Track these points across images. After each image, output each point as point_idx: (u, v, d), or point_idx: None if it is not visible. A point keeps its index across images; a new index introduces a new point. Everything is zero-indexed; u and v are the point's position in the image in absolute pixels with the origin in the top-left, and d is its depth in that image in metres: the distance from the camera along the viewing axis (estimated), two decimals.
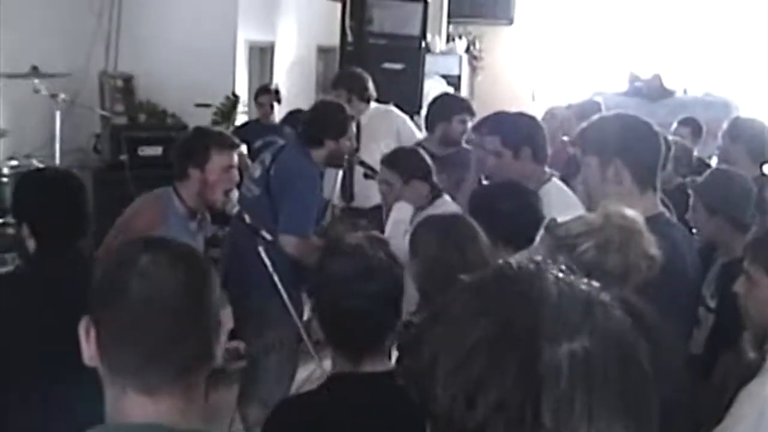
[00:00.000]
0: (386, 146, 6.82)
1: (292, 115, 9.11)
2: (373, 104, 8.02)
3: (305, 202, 5.81)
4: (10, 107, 9.34)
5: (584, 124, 4.14)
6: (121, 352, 2.10)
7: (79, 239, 4.08)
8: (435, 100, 7.57)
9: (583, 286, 1.42)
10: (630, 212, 3.14)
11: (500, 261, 1.48)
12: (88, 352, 2.14)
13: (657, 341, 2.17)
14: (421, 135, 7.82)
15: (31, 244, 3.99)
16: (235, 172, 5.02)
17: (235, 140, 5.04)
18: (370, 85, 7.94)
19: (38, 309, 3.72)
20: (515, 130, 5.17)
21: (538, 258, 1.47)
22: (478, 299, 1.44)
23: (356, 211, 7.61)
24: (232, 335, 5.31)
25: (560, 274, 1.42)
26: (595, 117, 4.23)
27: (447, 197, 5.63)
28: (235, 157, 4.99)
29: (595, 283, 1.43)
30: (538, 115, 8.82)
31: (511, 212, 4.35)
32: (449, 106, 7.21)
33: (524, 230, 4.14)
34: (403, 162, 5.65)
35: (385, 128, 7.79)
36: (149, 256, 2.13)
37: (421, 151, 5.86)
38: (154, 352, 2.08)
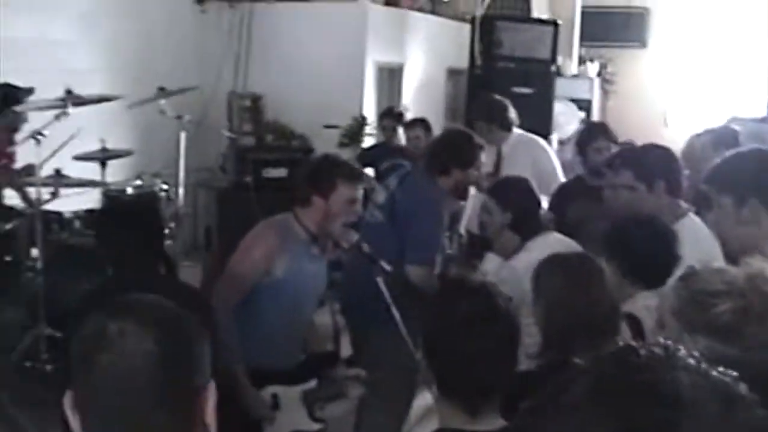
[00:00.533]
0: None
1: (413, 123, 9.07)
2: (517, 131, 7.87)
3: (431, 231, 5.70)
4: (138, 127, 9.47)
5: (717, 160, 3.93)
6: (100, 429, 1.96)
7: (155, 262, 4.25)
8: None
9: (720, 378, 1.26)
10: None
11: (623, 344, 1.32)
12: (74, 425, 2.00)
13: None
14: (559, 170, 7.67)
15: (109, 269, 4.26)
16: (359, 206, 4.93)
17: (363, 173, 4.94)
18: (510, 112, 7.79)
19: None
20: (649, 163, 4.97)
21: (668, 342, 1.31)
22: (598, 393, 1.27)
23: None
24: (351, 362, 5.29)
25: (692, 362, 1.26)
26: (730, 153, 4.00)
27: (555, 234, 5.42)
28: (361, 191, 4.89)
29: (732, 374, 1.27)
30: (672, 141, 8.62)
31: (646, 248, 4.16)
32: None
33: (657, 269, 3.97)
34: (503, 192, 5.50)
35: (524, 158, 7.61)
36: (116, 324, 1.95)
37: (531, 184, 5.68)
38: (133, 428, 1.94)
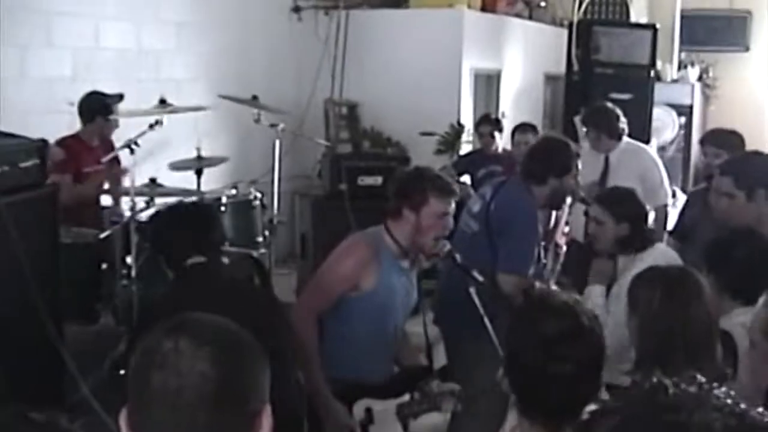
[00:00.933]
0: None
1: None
2: (627, 140, 7.75)
3: (526, 240, 5.61)
4: (234, 136, 9.53)
5: None
6: None
7: (212, 261, 4.25)
8: None
9: (760, 419, 1.16)
10: None
11: (655, 380, 1.23)
12: None
13: None
14: (667, 182, 7.54)
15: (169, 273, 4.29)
16: (450, 220, 4.83)
17: (454, 187, 4.86)
18: (621, 121, 7.67)
19: None
20: (749, 171, 4.84)
21: (702, 380, 1.22)
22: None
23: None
24: (444, 373, 5.21)
25: (727, 402, 1.17)
26: None
27: (660, 245, 5.30)
28: (453, 205, 4.82)
29: None
30: None
31: (744, 262, 4.03)
32: None
33: (755, 284, 3.83)
34: (617, 202, 5.37)
35: (631, 167, 7.46)
36: (171, 341, 1.90)
37: (638, 195, 5.56)
38: None
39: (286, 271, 8.93)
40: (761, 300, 2.98)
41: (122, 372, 6.09)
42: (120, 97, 7.35)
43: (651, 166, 7.58)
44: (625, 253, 5.17)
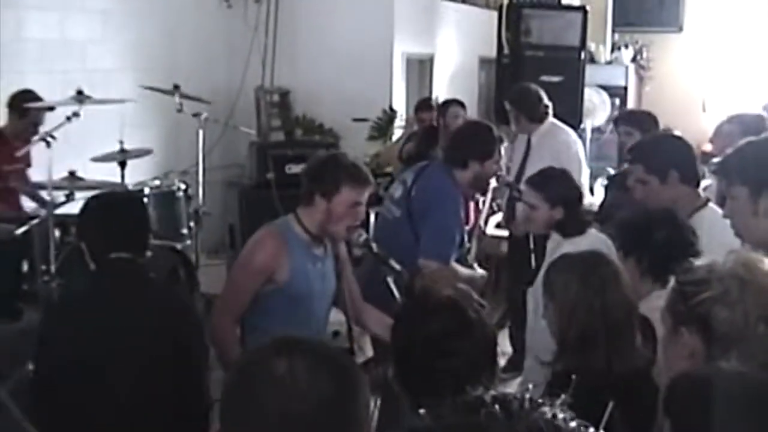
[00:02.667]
0: None
1: None
2: (552, 122, 7.71)
3: (447, 225, 5.57)
4: (161, 127, 9.40)
5: (729, 151, 3.75)
6: None
7: (135, 256, 4.11)
8: None
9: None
10: (766, 264, 2.74)
11: (473, 396, 1.17)
12: None
13: None
14: (585, 165, 7.51)
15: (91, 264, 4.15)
16: (362, 209, 4.71)
17: (369, 177, 4.75)
18: (543, 102, 7.63)
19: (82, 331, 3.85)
20: (658, 155, 4.82)
21: (522, 394, 1.16)
22: None
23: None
24: (375, 362, 5.16)
25: (546, 416, 1.11)
26: (743, 142, 3.82)
27: (593, 230, 5.26)
28: (366, 194, 4.71)
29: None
30: (711, 127, 8.43)
31: (665, 244, 4.00)
32: None
33: (673, 265, 3.80)
34: (550, 185, 5.31)
35: (547, 150, 7.43)
36: (286, 361, 1.82)
37: (572, 176, 5.52)
38: None
39: (217, 262, 8.82)
40: (671, 281, 2.94)
41: None
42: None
43: (565, 148, 7.50)
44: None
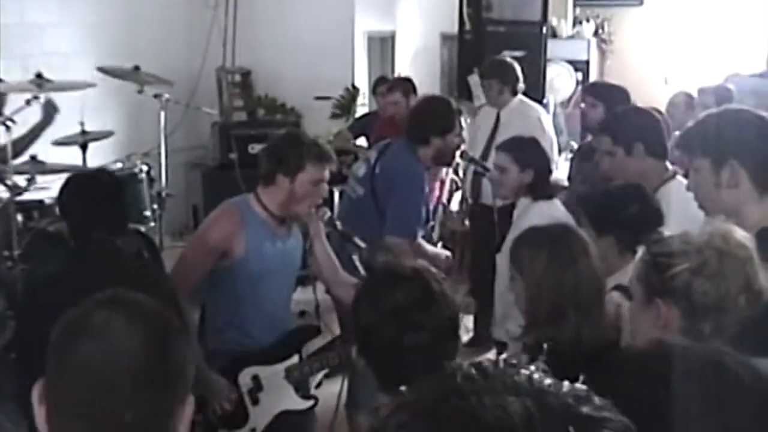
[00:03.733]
0: None
1: None
2: (520, 98, 7.74)
3: (412, 202, 5.58)
4: (122, 109, 9.32)
5: (690, 123, 3.76)
6: (67, 425, 1.83)
7: (113, 236, 4.14)
8: None
9: (556, 396, 1.10)
10: (740, 235, 2.74)
11: (448, 368, 1.16)
12: (39, 418, 1.86)
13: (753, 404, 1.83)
14: (553, 142, 7.52)
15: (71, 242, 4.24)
16: (325, 187, 4.70)
17: (331, 154, 4.74)
18: (518, 76, 7.67)
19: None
20: (625, 127, 4.85)
21: (498, 360, 1.15)
22: (414, 424, 1.12)
23: (485, 209, 7.25)
24: (342, 340, 5.16)
25: (531, 380, 1.10)
26: (704, 114, 3.82)
27: (556, 201, 5.30)
28: (328, 171, 4.70)
29: (582, 389, 1.12)
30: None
31: (640, 218, 4.02)
32: None
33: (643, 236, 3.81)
34: (521, 148, 5.36)
35: (517, 127, 7.41)
36: (103, 315, 1.85)
37: (542, 144, 5.57)
38: (103, 428, 1.81)
39: (181, 243, 8.76)
40: (639, 252, 2.95)
41: (13, 355, 5.97)
42: None
43: (536, 125, 7.53)
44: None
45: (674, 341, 2.23)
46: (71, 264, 4.22)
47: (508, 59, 7.96)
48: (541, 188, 5.27)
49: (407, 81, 8.73)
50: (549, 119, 7.97)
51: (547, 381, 1.11)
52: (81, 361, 1.81)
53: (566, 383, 1.14)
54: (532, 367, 1.15)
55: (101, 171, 5.29)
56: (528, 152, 5.32)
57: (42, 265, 6.21)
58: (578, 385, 1.13)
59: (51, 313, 3.79)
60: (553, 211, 5.00)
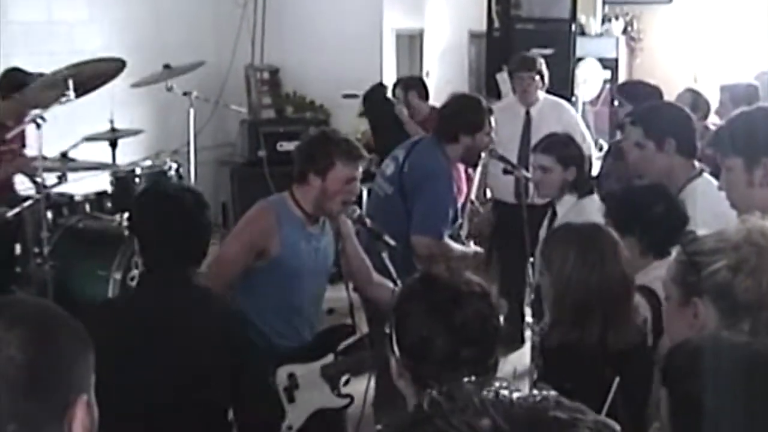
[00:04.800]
0: None
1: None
2: (545, 95, 7.74)
3: (439, 201, 5.57)
4: (151, 107, 9.36)
5: (722, 122, 3.74)
6: None
7: (190, 266, 3.79)
8: None
9: (523, 411, 1.09)
10: None
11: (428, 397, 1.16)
12: None
13: None
14: (588, 136, 7.51)
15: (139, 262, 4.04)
16: (357, 185, 4.69)
17: (362, 152, 4.73)
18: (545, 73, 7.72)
19: (126, 341, 3.53)
20: (659, 121, 4.80)
21: (466, 384, 1.15)
22: None
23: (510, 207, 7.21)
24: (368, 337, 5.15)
25: (501, 398, 1.10)
26: (736, 112, 3.80)
27: (595, 196, 5.28)
28: (360, 169, 4.68)
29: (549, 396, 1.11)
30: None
31: (665, 219, 3.99)
32: None
33: (667, 237, 3.78)
34: (562, 147, 5.34)
35: (552, 121, 7.35)
36: None
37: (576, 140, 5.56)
38: None
39: (211, 241, 8.78)
40: (674, 252, 2.92)
41: None
42: (39, 75, 7.12)
43: (572, 120, 7.55)
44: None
45: (696, 342, 2.22)
46: (138, 294, 4.06)
47: (533, 54, 7.97)
48: (584, 184, 5.27)
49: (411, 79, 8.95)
50: (581, 125, 7.94)
51: (516, 395, 1.12)
52: None
53: (537, 393, 1.14)
54: (498, 384, 1.15)
55: (184, 189, 4.24)
56: (569, 150, 5.31)
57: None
58: (548, 392, 1.13)
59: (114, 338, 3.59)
60: (598, 208, 4.97)
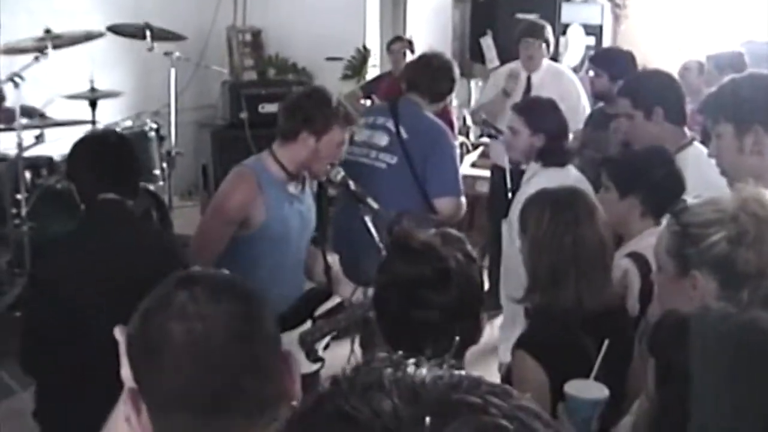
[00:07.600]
0: None
1: None
2: (547, 61, 7.69)
3: (453, 159, 5.64)
4: (132, 67, 9.25)
5: (713, 89, 3.69)
6: (173, 417, 1.75)
7: (124, 198, 3.99)
8: None
9: (434, 393, 1.04)
10: None
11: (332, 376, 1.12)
12: (137, 425, 1.78)
13: None
14: (586, 104, 7.44)
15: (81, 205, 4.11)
16: (344, 148, 4.72)
17: (355, 116, 4.71)
18: None
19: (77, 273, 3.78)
20: (646, 90, 4.75)
21: (374, 359, 1.11)
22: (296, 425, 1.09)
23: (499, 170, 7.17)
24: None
25: (412, 378, 1.05)
26: (727, 79, 3.75)
27: (572, 168, 5.21)
28: (349, 133, 4.68)
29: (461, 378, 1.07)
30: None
31: (664, 181, 3.95)
32: None
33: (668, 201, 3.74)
34: (534, 111, 5.27)
35: (552, 89, 7.26)
36: (185, 293, 1.76)
37: (560, 110, 5.48)
38: (210, 410, 1.73)
39: (190, 203, 8.74)
40: (664, 220, 2.88)
41: (18, 314, 5.94)
42: None
43: (571, 88, 7.47)
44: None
45: (713, 306, 2.18)
46: (81, 227, 4.14)
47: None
48: (552, 154, 5.15)
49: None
50: (583, 95, 7.85)
51: (430, 375, 1.06)
52: (179, 343, 1.73)
53: (450, 372, 1.08)
54: (409, 361, 1.10)
55: (110, 132, 5.12)
56: (541, 115, 5.20)
57: (49, 223, 6.18)
58: (459, 372, 1.08)
59: (61, 276, 3.78)
60: (564, 179, 4.90)
